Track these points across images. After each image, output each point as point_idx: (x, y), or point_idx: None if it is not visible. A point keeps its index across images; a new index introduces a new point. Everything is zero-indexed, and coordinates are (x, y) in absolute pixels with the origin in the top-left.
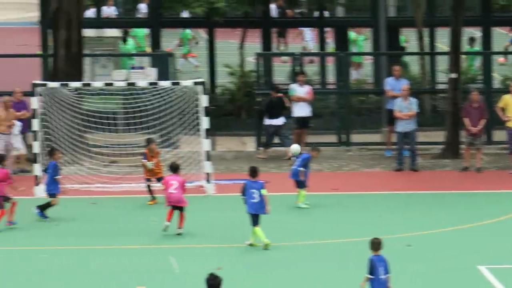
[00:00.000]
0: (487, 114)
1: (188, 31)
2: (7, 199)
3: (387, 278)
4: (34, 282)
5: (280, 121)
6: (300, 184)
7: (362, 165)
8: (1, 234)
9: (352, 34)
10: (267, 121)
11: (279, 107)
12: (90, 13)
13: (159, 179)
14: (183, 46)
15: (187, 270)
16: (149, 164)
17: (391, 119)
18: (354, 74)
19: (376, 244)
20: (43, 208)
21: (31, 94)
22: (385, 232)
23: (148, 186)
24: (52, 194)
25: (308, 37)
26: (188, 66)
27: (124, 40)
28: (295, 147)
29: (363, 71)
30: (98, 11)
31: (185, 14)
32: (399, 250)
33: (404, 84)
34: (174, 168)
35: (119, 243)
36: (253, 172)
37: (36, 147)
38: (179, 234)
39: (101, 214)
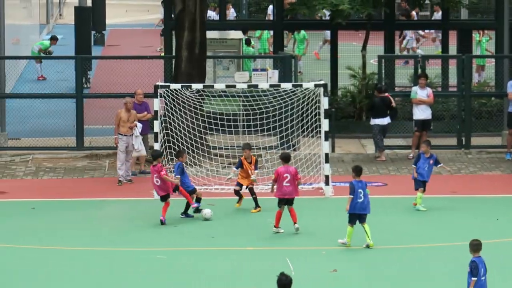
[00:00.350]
0: None
1: (303, 32)
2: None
3: (485, 280)
4: (150, 282)
5: (385, 121)
6: (418, 185)
7: (481, 168)
8: (126, 236)
9: (476, 36)
10: (372, 121)
11: (383, 107)
12: (213, 14)
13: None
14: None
15: (302, 272)
16: (233, 176)
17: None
18: (476, 77)
19: (476, 246)
20: (186, 209)
21: (153, 95)
22: (501, 236)
23: (238, 191)
24: (191, 191)
25: (408, 37)
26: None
27: (248, 43)
28: None
29: (485, 74)
30: (221, 13)
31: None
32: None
33: None
34: (286, 158)
35: (235, 245)
36: (358, 171)
37: (157, 149)
38: (297, 229)
39: (221, 217)
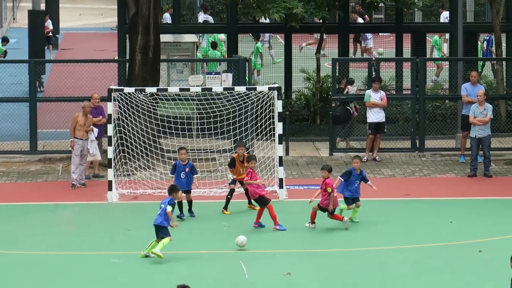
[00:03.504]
0: None
1: (259, 44)
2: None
3: None
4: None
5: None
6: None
7: (435, 171)
8: (80, 240)
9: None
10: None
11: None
12: (167, 18)
13: (241, 183)
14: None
15: (256, 275)
16: (231, 177)
17: (466, 125)
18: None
19: None
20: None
21: (107, 99)
22: (457, 238)
23: (230, 193)
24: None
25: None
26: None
27: (214, 46)
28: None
29: (440, 77)
30: (175, 16)
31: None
32: (470, 256)
33: (480, 90)
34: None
35: (190, 249)
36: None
37: (110, 153)
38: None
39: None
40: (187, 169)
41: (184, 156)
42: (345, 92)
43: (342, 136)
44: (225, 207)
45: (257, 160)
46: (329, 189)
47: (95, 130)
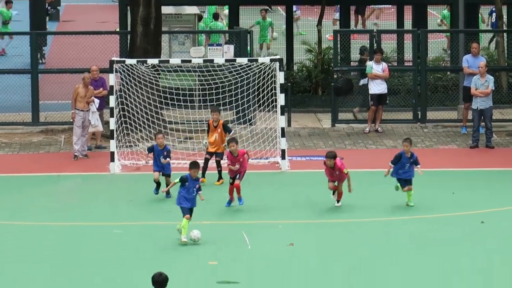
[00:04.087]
0: None
1: (269, 19)
2: None
3: None
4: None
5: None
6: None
7: (437, 142)
8: (82, 211)
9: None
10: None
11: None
12: None
13: (218, 154)
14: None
15: (259, 246)
16: (206, 143)
17: (468, 97)
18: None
19: None
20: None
21: (109, 71)
22: (459, 209)
23: (218, 162)
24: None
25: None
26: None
27: (216, 17)
28: None
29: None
30: None
31: None
32: (472, 227)
33: (481, 61)
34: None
35: (193, 219)
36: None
37: (113, 124)
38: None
39: (175, 189)
40: (165, 153)
41: (161, 141)
42: (366, 63)
43: (359, 106)
44: (203, 175)
45: (237, 141)
46: (345, 171)
47: (96, 101)
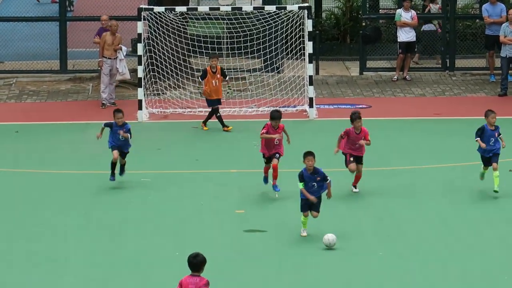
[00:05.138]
0: None
1: None
2: None
3: None
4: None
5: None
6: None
7: (465, 90)
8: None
9: None
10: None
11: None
12: None
13: (212, 102)
14: None
15: (287, 193)
16: (229, 94)
17: (491, 45)
18: None
19: None
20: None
21: (137, 18)
22: None
23: (216, 110)
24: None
25: None
26: None
27: None
28: None
29: None
30: None
31: None
32: (501, 174)
33: (503, 7)
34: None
35: (219, 168)
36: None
37: (140, 72)
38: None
39: (205, 139)
40: (124, 130)
41: (121, 120)
42: (426, 10)
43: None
44: (204, 122)
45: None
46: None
47: (124, 49)
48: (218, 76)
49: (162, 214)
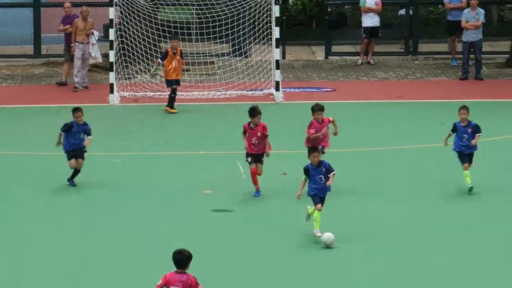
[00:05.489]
0: None
1: None
2: None
3: None
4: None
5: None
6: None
7: (427, 74)
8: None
9: None
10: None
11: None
12: None
13: (171, 82)
14: None
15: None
16: (154, 72)
17: (452, 30)
18: None
19: None
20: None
21: (109, 4)
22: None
23: (174, 90)
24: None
25: None
26: None
27: None
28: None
29: None
30: None
31: None
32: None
33: None
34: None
35: (189, 149)
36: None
37: (112, 56)
38: None
39: (174, 122)
40: (87, 130)
41: (81, 119)
42: None
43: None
44: (171, 106)
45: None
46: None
47: (96, 33)
48: (178, 57)
49: (133, 194)
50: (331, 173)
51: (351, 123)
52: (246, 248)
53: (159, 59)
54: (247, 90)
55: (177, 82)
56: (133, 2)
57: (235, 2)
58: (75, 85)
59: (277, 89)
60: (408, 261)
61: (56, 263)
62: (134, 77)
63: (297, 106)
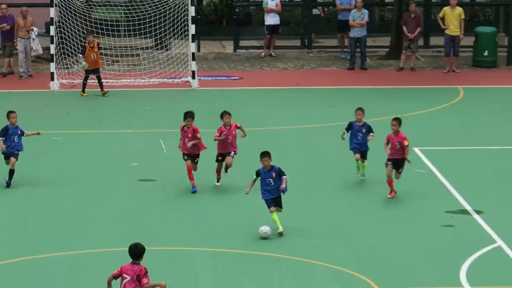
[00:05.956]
0: (423, 23)
1: None
2: None
3: None
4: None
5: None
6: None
7: (320, 65)
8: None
9: None
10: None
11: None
12: None
13: (96, 71)
14: None
15: (172, 151)
16: (84, 65)
17: (341, 27)
18: None
19: None
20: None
21: (50, 5)
22: (337, 119)
23: (98, 77)
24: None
25: None
26: None
27: None
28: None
29: None
30: None
31: None
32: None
33: None
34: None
35: (118, 128)
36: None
37: (52, 49)
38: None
39: (106, 104)
40: (19, 132)
41: (15, 120)
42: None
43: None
44: (83, 90)
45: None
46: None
47: (35, 29)
48: (96, 50)
49: (70, 165)
50: (283, 177)
51: (255, 106)
52: (165, 210)
53: (79, 54)
54: (167, 78)
55: (97, 71)
56: (71, 3)
57: (157, 3)
58: (21, 74)
59: (193, 77)
60: None
61: None
62: (71, 67)
63: (210, 92)
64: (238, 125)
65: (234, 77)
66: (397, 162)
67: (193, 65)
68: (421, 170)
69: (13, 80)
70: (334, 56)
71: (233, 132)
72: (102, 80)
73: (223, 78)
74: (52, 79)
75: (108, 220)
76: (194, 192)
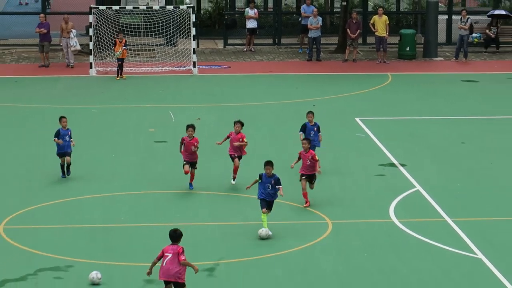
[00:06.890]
0: (362, 26)
1: None
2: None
3: None
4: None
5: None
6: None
7: (287, 57)
8: (71, 98)
9: None
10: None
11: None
12: None
13: (120, 60)
14: None
15: (180, 120)
16: (118, 53)
17: (303, 30)
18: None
19: None
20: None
21: (89, 13)
22: (300, 97)
23: (120, 65)
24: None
25: None
26: None
27: None
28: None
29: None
30: None
31: None
32: (307, 108)
33: (313, 8)
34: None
35: (139, 103)
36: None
37: (91, 45)
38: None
39: (130, 86)
40: (69, 133)
41: (65, 123)
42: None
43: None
44: (121, 74)
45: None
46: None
47: (74, 31)
48: (122, 45)
49: (102, 131)
50: (279, 187)
51: (239, 88)
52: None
53: (115, 48)
54: (175, 67)
55: (122, 60)
56: (104, 11)
57: (167, 12)
58: (67, 64)
59: (194, 66)
60: None
61: None
62: (105, 59)
63: (207, 77)
64: (245, 139)
65: (224, 66)
66: (310, 176)
67: (194, 57)
68: (361, 134)
69: (61, 68)
70: (295, 51)
71: (239, 139)
72: (127, 69)
73: (216, 67)
74: (91, 67)
75: (132, 169)
76: (191, 189)
